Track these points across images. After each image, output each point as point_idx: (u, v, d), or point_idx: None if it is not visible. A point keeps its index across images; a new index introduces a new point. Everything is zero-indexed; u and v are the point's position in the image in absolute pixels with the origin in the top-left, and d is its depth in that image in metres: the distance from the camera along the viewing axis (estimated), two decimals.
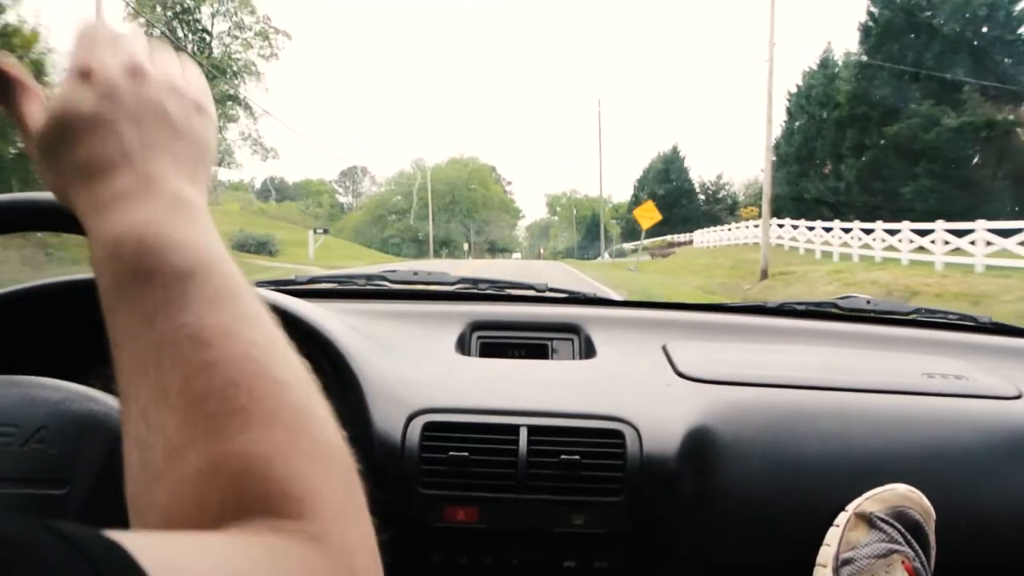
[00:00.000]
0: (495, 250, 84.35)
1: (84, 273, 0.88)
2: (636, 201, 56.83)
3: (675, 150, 56.76)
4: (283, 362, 0.38)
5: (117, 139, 0.43)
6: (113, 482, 0.40)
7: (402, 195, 74.25)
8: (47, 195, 0.55)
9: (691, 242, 37.94)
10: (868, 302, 1.38)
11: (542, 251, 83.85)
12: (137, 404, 0.36)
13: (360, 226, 70.87)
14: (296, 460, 0.35)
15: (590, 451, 0.93)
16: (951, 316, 1.39)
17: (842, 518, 0.92)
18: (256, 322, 0.39)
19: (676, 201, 51.03)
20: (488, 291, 1.44)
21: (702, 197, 54.59)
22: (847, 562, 0.89)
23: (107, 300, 0.39)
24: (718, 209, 54.40)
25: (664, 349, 1.17)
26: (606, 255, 49.75)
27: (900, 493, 0.92)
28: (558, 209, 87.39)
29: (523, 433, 0.94)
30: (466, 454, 0.92)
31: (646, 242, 39.84)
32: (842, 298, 1.40)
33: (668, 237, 43.45)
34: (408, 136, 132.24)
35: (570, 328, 1.27)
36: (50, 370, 0.62)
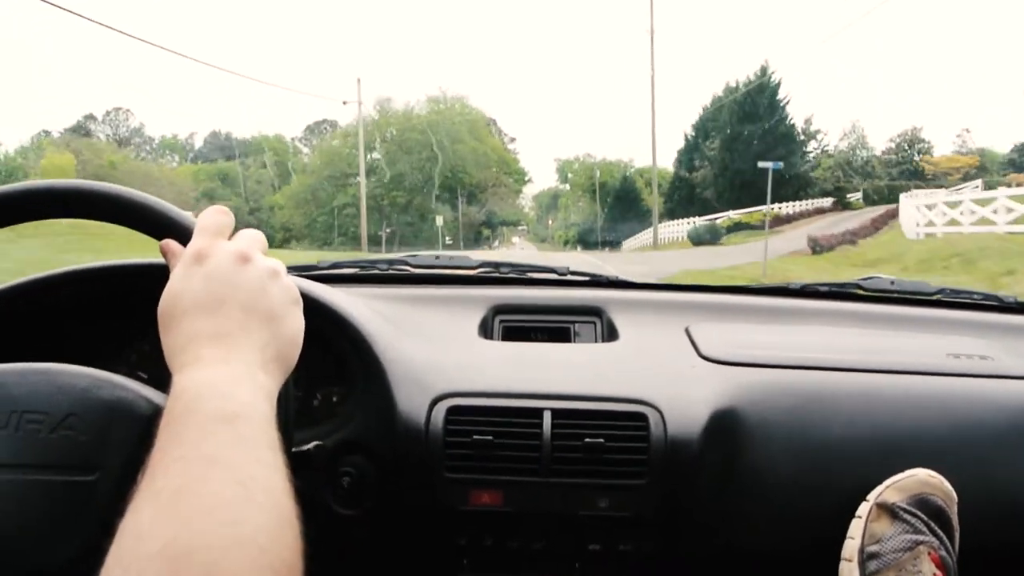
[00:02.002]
0: (492, 224, 65.00)
1: (110, 260, 0.91)
2: (690, 158, 44.89)
3: (764, 72, 37.04)
4: (263, 498, 0.43)
5: (212, 322, 0.52)
6: (140, 469, 0.44)
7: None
8: (47, 182, 0.65)
9: (879, 223, 20.76)
10: (892, 282, 1.38)
11: (551, 223, 75.58)
12: (139, 496, 0.42)
13: (301, 194, 51.26)
14: (227, 555, 0.39)
15: (614, 434, 0.93)
16: (976, 296, 1.37)
17: (864, 509, 0.91)
18: (262, 463, 0.45)
19: (770, 148, 36.17)
20: (510, 275, 1.44)
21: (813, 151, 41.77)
22: (873, 556, 0.88)
23: (163, 425, 0.46)
24: (901, 172, 40.74)
25: (687, 331, 1.16)
26: (666, 232, 34.97)
27: (921, 479, 0.90)
28: (569, 175, 73.01)
29: (547, 416, 0.94)
30: (490, 438, 0.92)
31: (734, 214, 31.04)
32: (866, 279, 1.40)
33: (773, 208, 30.01)
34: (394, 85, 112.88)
35: (592, 311, 1.26)
36: (78, 357, 0.63)
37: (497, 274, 1.43)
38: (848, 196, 37.90)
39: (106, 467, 0.54)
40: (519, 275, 1.43)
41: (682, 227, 34.02)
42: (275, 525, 0.42)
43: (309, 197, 54.09)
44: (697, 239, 28.78)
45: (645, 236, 41.45)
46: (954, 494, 0.91)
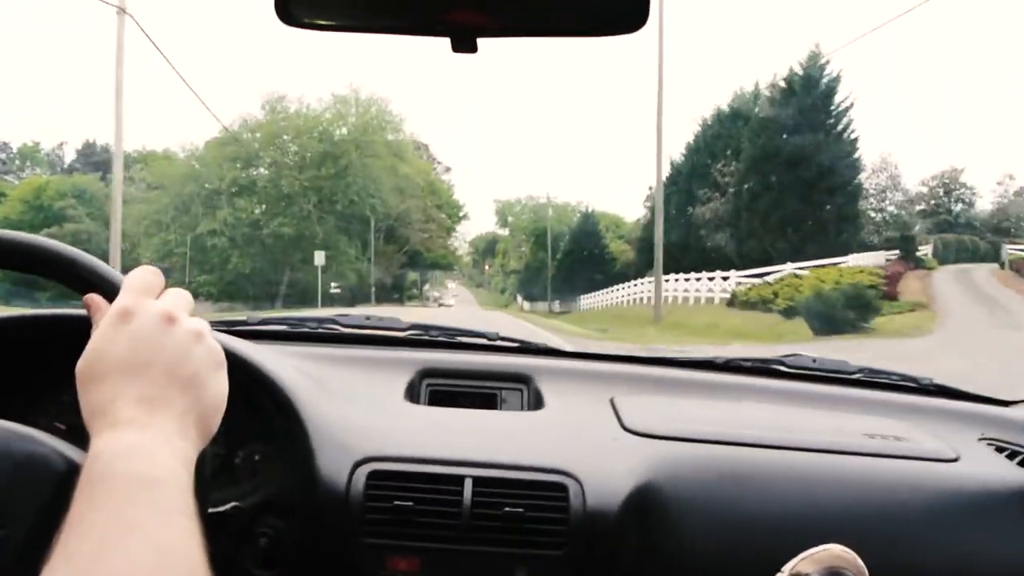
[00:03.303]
0: (417, 266, 52.05)
1: (28, 310, 0.92)
2: (686, 190, 33.35)
3: (814, 61, 26.27)
4: (178, 564, 0.43)
5: (135, 385, 0.51)
6: (53, 524, 0.44)
7: (231, 161, 41.61)
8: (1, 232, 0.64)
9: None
10: (814, 360, 1.41)
11: (488, 268, 72.88)
12: (53, 559, 0.42)
13: (155, 215, 38.23)
14: None
15: (534, 503, 0.93)
16: (894, 376, 1.41)
17: None
18: (178, 529, 0.45)
19: (825, 172, 26.84)
20: (439, 338, 1.45)
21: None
22: None
23: (80, 487, 0.46)
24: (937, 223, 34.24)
25: (612, 402, 1.17)
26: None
27: (835, 554, 0.92)
28: (510, 219, 66.70)
29: (468, 484, 0.94)
30: (411, 503, 0.92)
31: (795, 268, 20.85)
32: (789, 356, 1.43)
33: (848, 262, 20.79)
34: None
35: (519, 378, 1.28)
36: None
37: (427, 337, 1.45)
38: (919, 247, 26.52)
39: (16, 523, 0.52)
40: (448, 339, 1.45)
41: (692, 285, 24.54)
42: None
43: (167, 220, 40.22)
44: (824, 316, 15.00)
45: (612, 295, 34.50)
46: (866, 571, 0.92)
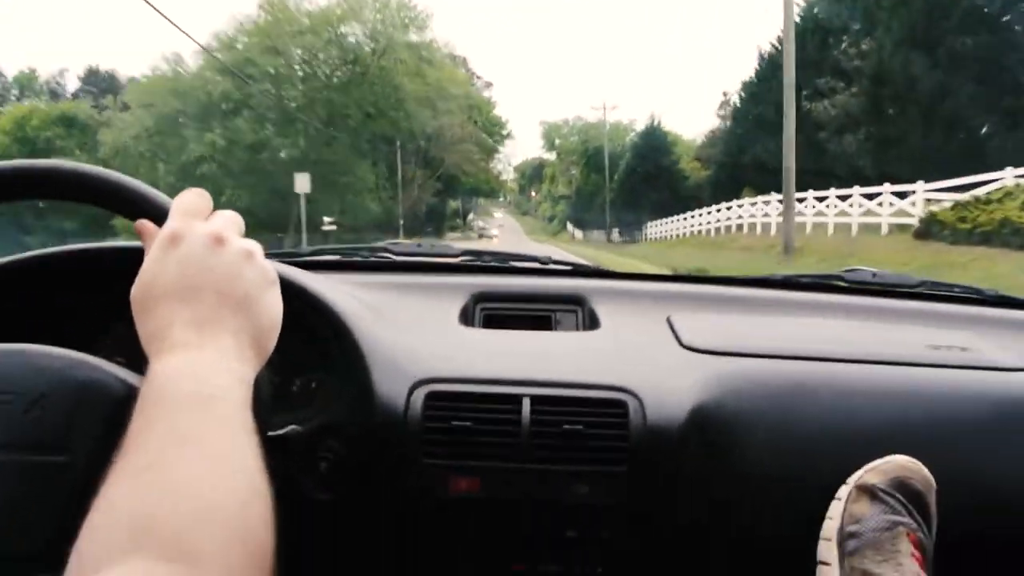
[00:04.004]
0: (456, 193, 45.52)
1: (87, 243, 0.93)
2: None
3: None
4: (233, 473, 0.44)
5: (186, 308, 0.52)
6: (114, 447, 0.45)
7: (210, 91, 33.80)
8: (17, 163, 0.66)
9: None
10: (874, 275, 1.38)
11: (534, 195, 70.34)
12: (111, 474, 0.43)
13: (134, 143, 31.94)
14: (195, 525, 0.40)
15: (593, 421, 0.93)
16: (956, 289, 1.39)
17: (844, 491, 0.92)
18: (234, 442, 0.46)
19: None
20: (492, 263, 1.45)
21: None
22: (852, 535, 0.89)
23: (137, 409, 0.47)
24: None
25: (668, 321, 1.17)
26: None
27: (900, 464, 0.92)
28: (557, 141, 62.96)
29: (526, 403, 0.94)
30: (469, 424, 0.93)
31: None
32: (848, 270, 1.40)
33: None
34: None
35: (574, 299, 1.27)
36: (54, 340, 0.63)
37: (479, 263, 1.45)
38: None
39: (78, 448, 0.54)
40: (501, 264, 1.45)
41: (834, 206, 17.52)
42: (245, 499, 0.43)
43: (147, 146, 33.77)
44: None
45: (689, 222, 29.26)
46: (933, 482, 0.92)
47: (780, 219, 19.73)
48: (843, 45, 22.20)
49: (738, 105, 32.82)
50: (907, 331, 1.20)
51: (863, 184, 16.32)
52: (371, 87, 36.77)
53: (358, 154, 36.77)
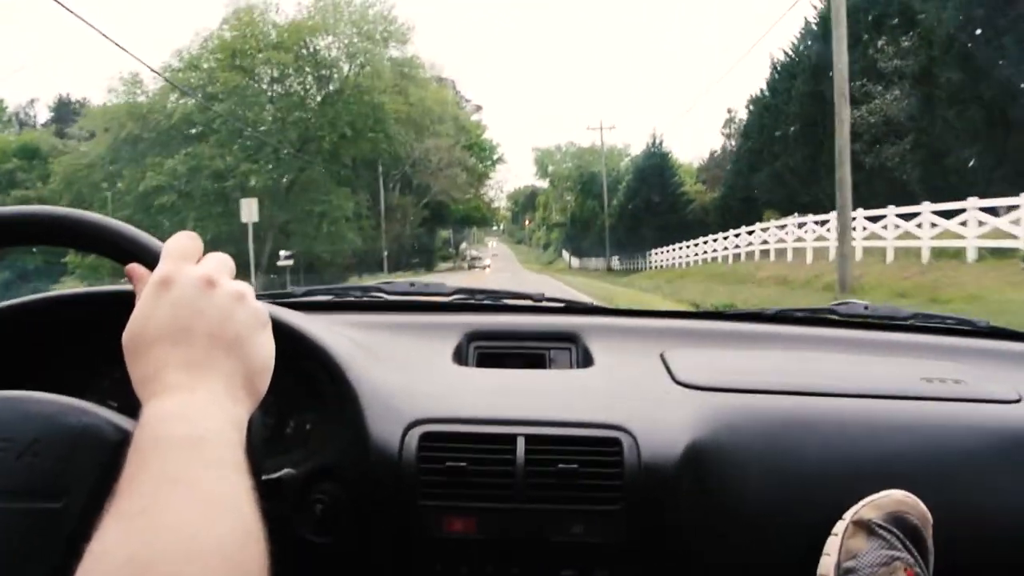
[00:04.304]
0: (443, 221, 43.22)
1: (80, 287, 0.94)
2: (810, 74, 22.80)
3: None
4: (227, 513, 0.44)
5: (179, 351, 0.52)
6: (108, 493, 0.44)
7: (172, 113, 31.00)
8: (31, 208, 0.67)
9: None
10: (866, 307, 1.38)
11: (528, 223, 70.15)
12: (105, 519, 0.43)
13: (84, 172, 28.97)
14: (189, 567, 0.40)
15: (588, 460, 0.93)
16: (948, 320, 1.39)
17: (840, 526, 0.92)
18: (227, 482, 0.46)
19: None
20: (485, 301, 1.45)
21: None
22: (849, 571, 0.89)
23: (130, 453, 0.47)
24: None
25: (662, 357, 1.17)
26: None
27: (897, 499, 0.92)
28: (550, 168, 60.65)
29: (520, 442, 0.94)
30: (464, 464, 0.93)
31: None
32: (839, 303, 1.41)
33: None
34: None
35: (567, 337, 1.27)
36: (47, 386, 0.63)
37: (472, 301, 1.45)
38: None
39: (72, 493, 0.53)
40: (494, 302, 1.45)
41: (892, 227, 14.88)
42: (239, 540, 0.43)
43: (100, 179, 30.67)
44: None
45: (697, 249, 27.59)
46: (929, 516, 0.92)
47: (817, 244, 16.56)
48: (879, 43, 19.38)
49: (747, 120, 30.16)
50: (900, 364, 1.21)
51: (904, 202, 13.44)
52: (347, 106, 33.94)
53: (336, 180, 33.82)
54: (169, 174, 29.89)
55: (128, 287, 0.67)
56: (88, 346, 0.91)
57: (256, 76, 33.81)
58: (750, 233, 21.92)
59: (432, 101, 38.82)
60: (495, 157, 52.80)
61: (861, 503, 0.92)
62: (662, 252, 31.48)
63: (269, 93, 34.45)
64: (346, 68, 34.83)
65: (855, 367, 1.18)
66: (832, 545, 0.91)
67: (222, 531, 0.43)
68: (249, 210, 18.96)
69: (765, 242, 20.44)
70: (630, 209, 36.62)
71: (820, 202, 18.48)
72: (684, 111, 77.10)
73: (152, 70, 28.89)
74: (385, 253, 36.15)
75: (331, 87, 34.20)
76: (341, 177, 34.61)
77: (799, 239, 17.99)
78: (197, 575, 0.40)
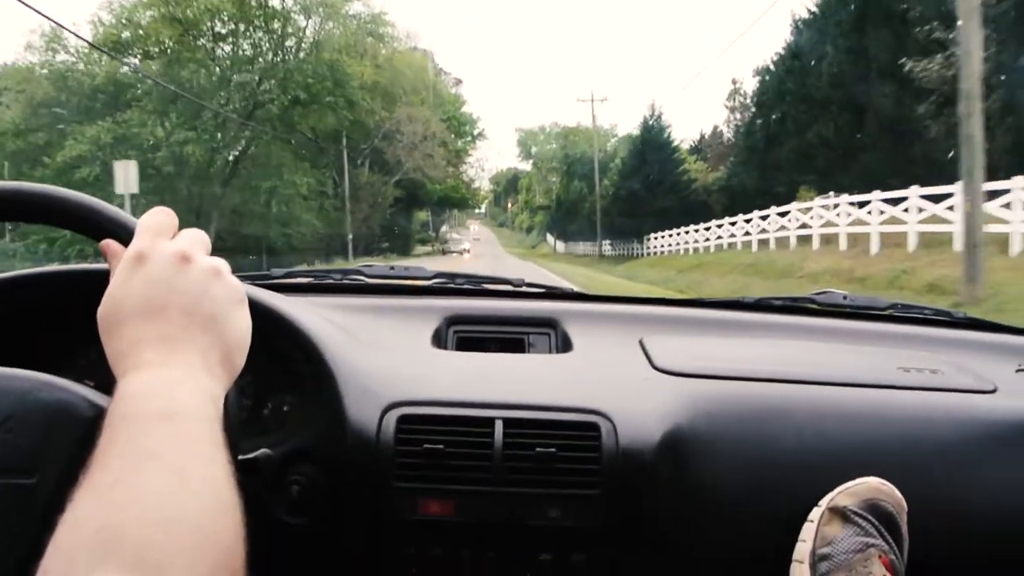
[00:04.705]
0: (420, 202, 39.67)
1: (56, 265, 0.94)
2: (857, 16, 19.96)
3: None
4: (200, 485, 0.44)
5: (154, 327, 0.52)
6: (82, 470, 0.44)
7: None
8: (14, 184, 0.66)
9: None
10: (845, 297, 1.40)
11: (511, 206, 68.93)
12: (78, 492, 0.43)
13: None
14: (162, 536, 0.40)
15: (566, 444, 0.93)
16: (927, 311, 1.41)
17: (816, 513, 0.93)
18: (201, 456, 0.46)
19: None
20: (465, 286, 1.45)
21: None
22: (824, 557, 0.90)
23: (104, 427, 0.47)
24: None
25: (641, 343, 1.17)
26: None
27: (872, 486, 0.93)
28: (533, 150, 58.27)
29: (498, 426, 0.94)
30: (441, 447, 0.93)
31: None
32: (819, 293, 1.42)
33: None
34: None
35: (547, 322, 1.27)
36: (23, 364, 0.63)
37: (452, 285, 1.44)
38: None
39: (47, 469, 0.53)
40: (474, 286, 1.45)
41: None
42: (212, 510, 0.43)
43: (16, 148, 26.25)
44: None
45: (704, 235, 24.05)
46: (904, 503, 0.93)
47: (887, 229, 12.69)
48: None
49: (760, 88, 26.44)
50: (878, 353, 1.21)
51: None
52: (301, 66, 29.19)
53: (295, 154, 29.59)
54: (92, 143, 25.53)
55: (100, 265, 0.67)
56: (64, 325, 0.90)
57: (197, 31, 28.69)
58: (782, 215, 18.17)
59: (404, 65, 34.79)
60: (475, 132, 48.79)
61: (837, 490, 0.92)
62: (662, 237, 27.96)
63: (214, 51, 29.41)
64: (301, 21, 30.34)
65: (833, 356, 1.19)
66: (807, 531, 0.91)
67: (196, 503, 0.43)
68: (125, 176, 14.22)
69: (805, 226, 16.69)
70: (624, 190, 32.90)
71: (864, 179, 14.87)
72: (680, 87, 73.19)
73: (60, 25, 24.33)
74: (350, 236, 32.32)
75: (285, 44, 29.90)
76: (301, 151, 30.43)
77: (856, 221, 14.24)
78: (168, 544, 0.40)
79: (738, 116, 36.97)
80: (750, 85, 27.83)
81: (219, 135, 26.44)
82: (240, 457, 0.80)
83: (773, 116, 23.95)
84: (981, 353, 1.23)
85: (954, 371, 1.12)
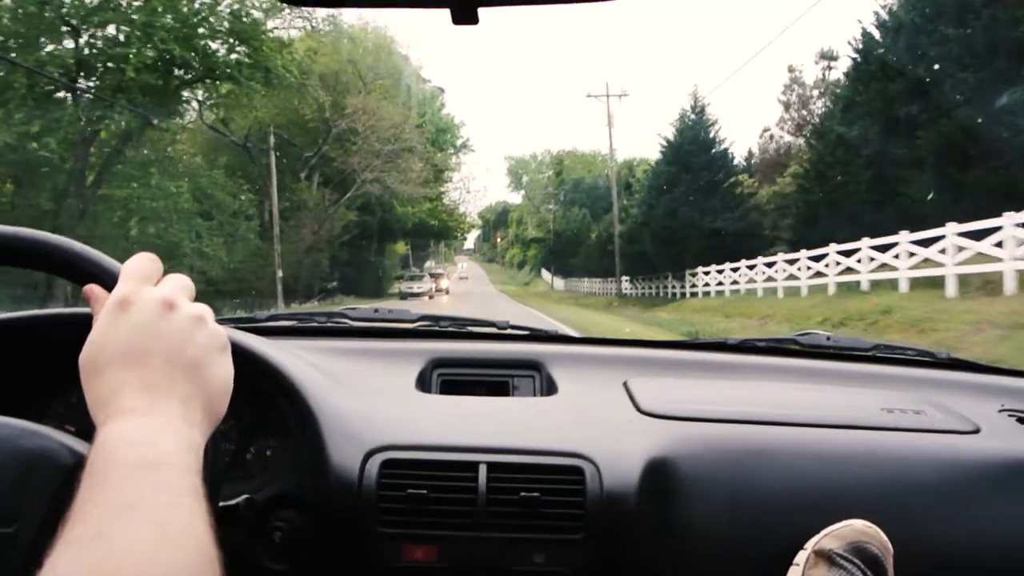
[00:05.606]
0: (389, 232, 31.11)
1: (35, 311, 0.93)
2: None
3: None
4: (181, 538, 0.44)
5: (136, 374, 0.52)
6: (63, 518, 0.44)
7: None
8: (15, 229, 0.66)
9: None
10: (828, 338, 1.40)
11: (500, 240, 66.59)
12: (58, 545, 0.42)
13: None
14: None
15: (550, 488, 0.93)
16: (910, 352, 1.41)
17: (801, 556, 0.92)
18: (182, 507, 0.45)
19: None
20: (449, 328, 1.45)
21: None
22: None
23: (85, 476, 0.46)
24: None
25: (625, 385, 1.18)
26: None
27: (858, 529, 0.92)
28: (525, 179, 56.05)
29: (482, 470, 0.94)
30: (425, 492, 0.92)
31: None
32: (802, 334, 1.43)
33: None
34: None
35: (531, 365, 1.27)
36: (2, 408, 0.63)
37: (437, 328, 1.45)
38: None
39: (26, 518, 0.53)
40: (458, 329, 1.45)
41: None
42: (193, 565, 0.43)
43: None
44: None
45: (788, 271, 16.98)
46: (890, 546, 0.92)
47: None
48: None
49: (856, 64, 18.35)
50: (862, 395, 1.22)
51: None
52: (172, 4, 17.52)
53: (197, 149, 20.04)
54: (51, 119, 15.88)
55: (82, 309, 0.67)
56: (46, 370, 0.90)
57: None
58: (979, 237, 9.76)
59: (357, 48, 25.86)
60: (459, 143, 40.08)
61: (822, 533, 0.92)
62: (713, 273, 20.68)
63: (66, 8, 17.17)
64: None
65: (816, 397, 1.19)
66: (793, 575, 0.91)
67: (176, 557, 0.42)
68: None
69: (931, 262, 9.20)
70: (661, 208, 24.38)
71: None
72: (716, 84, 64.45)
73: None
74: (279, 274, 22.77)
75: None
76: (212, 154, 21.34)
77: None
78: None
79: (798, 113, 28.05)
80: (811, 73, 19.43)
81: (82, 119, 16.86)
82: (221, 504, 0.80)
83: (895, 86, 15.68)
84: (964, 393, 1.23)
85: (937, 412, 1.12)
